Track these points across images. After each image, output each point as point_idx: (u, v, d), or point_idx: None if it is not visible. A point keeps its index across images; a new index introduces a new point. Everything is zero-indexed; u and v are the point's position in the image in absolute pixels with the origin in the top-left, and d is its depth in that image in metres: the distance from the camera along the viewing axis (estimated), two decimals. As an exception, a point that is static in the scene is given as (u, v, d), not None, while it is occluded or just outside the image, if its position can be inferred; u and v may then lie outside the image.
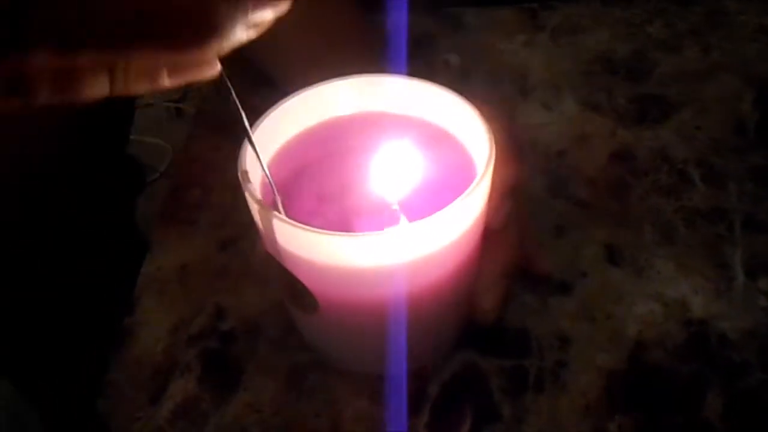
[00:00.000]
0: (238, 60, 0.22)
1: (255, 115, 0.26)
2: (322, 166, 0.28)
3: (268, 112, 0.27)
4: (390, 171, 0.26)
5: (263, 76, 0.39)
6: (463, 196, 0.23)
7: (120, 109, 0.55)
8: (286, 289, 0.26)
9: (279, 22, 0.35)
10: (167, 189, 0.40)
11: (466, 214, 0.24)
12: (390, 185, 0.26)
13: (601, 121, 0.40)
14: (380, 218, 0.26)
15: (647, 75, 0.43)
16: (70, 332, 0.50)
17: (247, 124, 0.23)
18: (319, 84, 0.28)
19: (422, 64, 0.29)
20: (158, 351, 0.32)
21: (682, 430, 0.27)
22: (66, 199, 0.49)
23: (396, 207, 0.25)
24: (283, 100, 0.27)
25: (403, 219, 0.25)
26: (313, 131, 0.29)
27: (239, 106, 0.23)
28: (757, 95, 0.41)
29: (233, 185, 0.37)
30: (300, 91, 0.28)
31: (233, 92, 0.22)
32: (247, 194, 0.24)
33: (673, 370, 0.28)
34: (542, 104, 0.42)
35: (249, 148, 0.24)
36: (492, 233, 0.27)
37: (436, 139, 0.28)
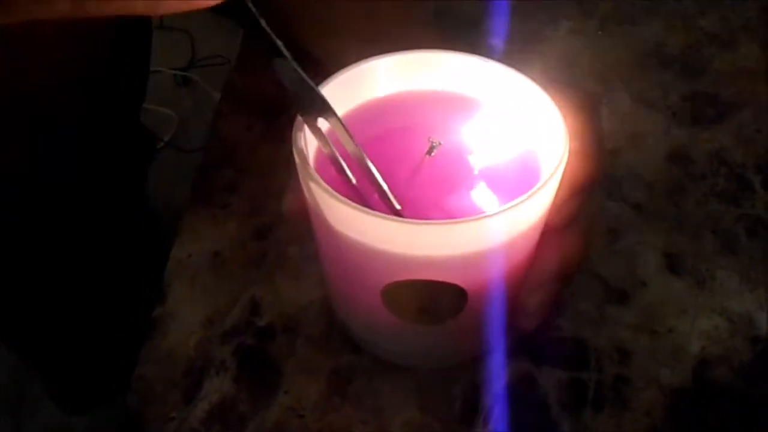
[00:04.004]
0: (282, 39, 0.20)
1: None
2: (382, 142, 0.26)
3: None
4: (456, 149, 0.24)
5: (307, 56, 0.37)
6: (530, 192, 0.21)
7: (135, 74, 0.53)
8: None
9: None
10: (197, 169, 0.38)
11: (537, 206, 0.22)
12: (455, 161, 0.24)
13: (655, 119, 0.38)
14: (454, 190, 0.24)
15: (702, 72, 0.41)
16: (90, 307, 0.49)
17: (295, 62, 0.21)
18: (371, 59, 0.26)
19: (465, 47, 0.27)
20: (191, 346, 0.30)
21: (752, 457, 0.25)
22: (81, 167, 0.47)
23: (477, 171, 0.24)
24: (334, 76, 0.25)
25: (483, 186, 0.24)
26: (365, 108, 0.27)
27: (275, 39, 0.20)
28: (818, 99, 0.39)
29: (268, 167, 0.35)
30: (352, 66, 0.25)
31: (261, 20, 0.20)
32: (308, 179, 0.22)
33: (741, 391, 0.27)
34: (592, 98, 0.40)
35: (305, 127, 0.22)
36: (552, 231, 0.25)
37: (498, 123, 0.26)
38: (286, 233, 0.34)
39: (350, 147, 0.22)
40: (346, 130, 0.22)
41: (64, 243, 0.49)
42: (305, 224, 0.25)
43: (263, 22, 0.20)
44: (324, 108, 0.22)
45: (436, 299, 0.24)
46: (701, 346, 0.29)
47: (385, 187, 0.23)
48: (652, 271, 0.31)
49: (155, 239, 0.60)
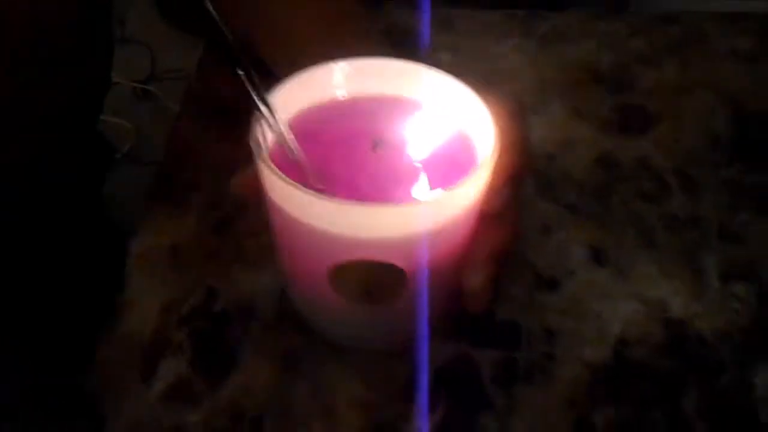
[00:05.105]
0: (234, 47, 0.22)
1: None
2: (334, 140, 0.29)
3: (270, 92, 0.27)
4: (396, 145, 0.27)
5: (261, 65, 0.39)
6: (469, 174, 0.24)
7: (95, 82, 0.54)
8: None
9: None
10: (156, 167, 0.39)
11: (470, 192, 0.25)
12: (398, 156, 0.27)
13: (586, 128, 0.42)
14: (397, 182, 0.27)
15: (629, 87, 0.45)
16: (50, 310, 0.49)
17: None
18: (319, 65, 0.28)
19: (413, 60, 0.30)
20: (148, 331, 0.32)
21: (661, 424, 0.28)
22: (35, 173, 0.48)
23: (419, 165, 0.26)
24: (285, 81, 0.27)
25: (423, 178, 0.26)
26: (319, 108, 0.29)
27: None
28: (731, 113, 0.43)
29: (226, 166, 0.37)
30: (301, 72, 0.28)
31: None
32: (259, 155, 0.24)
33: (654, 367, 0.30)
34: (530, 108, 0.43)
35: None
36: (487, 218, 0.28)
37: (438, 123, 0.29)
38: (242, 228, 0.36)
39: (276, 128, 0.25)
40: (273, 114, 0.25)
41: (49, 245, 0.49)
42: (259, 216, 0.27)
43: (221, 24, 0.22)
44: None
45: (379, 280, 0.26)
46: (621, 328, 0.32)
47: (304, 162, 0.25)
48: (580, 262, 0.34)
49: (110, 249, 0.60)
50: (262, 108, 0.24)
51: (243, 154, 0.28)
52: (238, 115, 0.25)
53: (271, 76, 0.29)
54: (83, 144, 0.56)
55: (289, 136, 0.25)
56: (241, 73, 0.23)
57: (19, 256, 0.50)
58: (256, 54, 0.38)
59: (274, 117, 0.25)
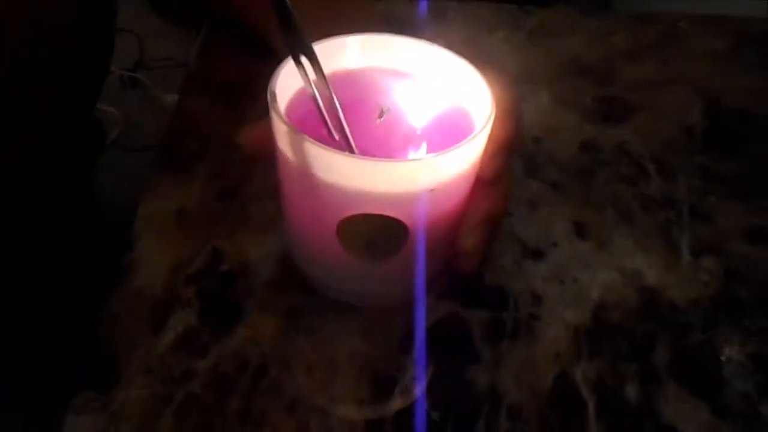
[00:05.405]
0: (230, 24, 0.24)
1: (253, 80, 0.28)
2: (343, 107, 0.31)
3: (284, 63, 0.29)
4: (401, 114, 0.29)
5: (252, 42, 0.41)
6: (469, 138, 0.26)
7: (95, 80, 0.54)
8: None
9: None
10: (162, 136, 0.41)
11: (470, 154, 0.27)
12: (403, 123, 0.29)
13: (571, 116, 0.45)
14: (401, 146, 0.29)
15: (612, 80, 0.48)
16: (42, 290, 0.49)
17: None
18: (330, 38, 0.30)
19: None
20: (157, 287, 0.33)
21: (634, 376, 0.31)
22: (35, 173, 0.48)
23: (421, 132, 0.28)
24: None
25: (425, 144, 0.29)
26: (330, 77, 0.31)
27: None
28: (704, 107, 0.46)
29: (231, 140, 0.39)
30: (317, 43, 0.30)
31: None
32: (273, 114, 0.26)
33: (629, 328, 0.33)
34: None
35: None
36: (481, 185, 0.30)
37: (438, 94, 0.31)
38: (246, 194, 0.38)
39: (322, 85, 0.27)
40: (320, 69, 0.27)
41: (46, 242, 0.49)
42: (263, 183, 0.29)
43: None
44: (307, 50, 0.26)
45: (382, 235, 0.28)
46: (599, 293, 0.34)
47: (347, 128, 0.27)
48: (563, 235, 0.37)
49: (100, 237, 0.61)
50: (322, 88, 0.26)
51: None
52: (242, 94, 0.27)
53: (272, 56, 0.31)
54: (79, 136, 0.57)
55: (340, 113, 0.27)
56: (303, 57, 0.25)
57: (18, 256, 0.51)
58: (257, 36, 0.40)
59: (333, 95, 0.27)
